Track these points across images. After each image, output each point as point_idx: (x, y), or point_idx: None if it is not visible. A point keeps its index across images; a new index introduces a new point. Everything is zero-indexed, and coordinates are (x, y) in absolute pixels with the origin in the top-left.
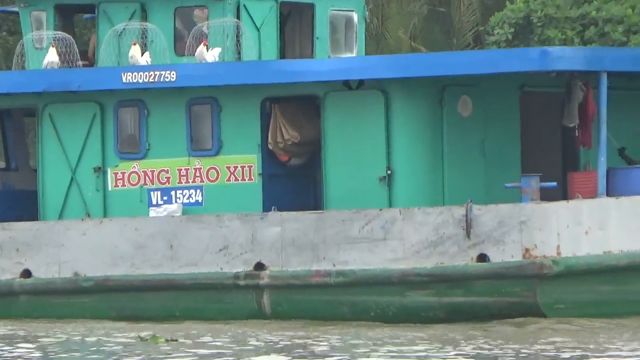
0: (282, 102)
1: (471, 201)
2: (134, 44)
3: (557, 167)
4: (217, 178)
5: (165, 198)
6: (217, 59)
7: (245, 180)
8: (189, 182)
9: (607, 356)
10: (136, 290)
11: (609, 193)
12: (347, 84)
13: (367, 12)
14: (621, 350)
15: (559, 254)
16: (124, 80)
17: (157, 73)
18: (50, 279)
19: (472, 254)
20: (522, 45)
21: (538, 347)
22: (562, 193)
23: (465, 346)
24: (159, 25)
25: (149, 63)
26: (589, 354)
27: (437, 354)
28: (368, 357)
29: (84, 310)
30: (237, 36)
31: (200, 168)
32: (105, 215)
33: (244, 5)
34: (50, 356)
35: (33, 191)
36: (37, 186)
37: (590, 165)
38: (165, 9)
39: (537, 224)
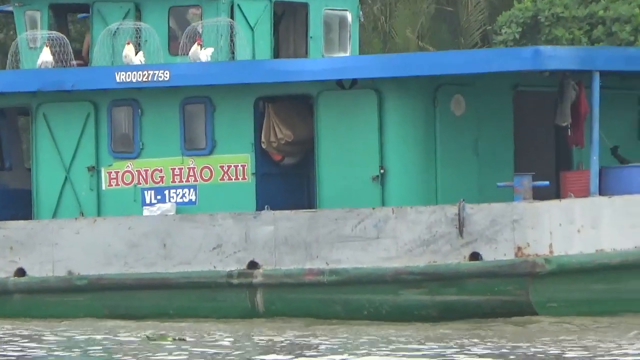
0: (275, 101)
1: (464, 200)
2: (128, 44)
3: (551, 167)
4: (210, 177)
5: (159, 197)
6: (209, 59)
7: (238, 179)
8: (182, 182)
9: (600, 355)
10: (130, 289)
11: (601, 192)
12: (340, 84)
13: (361, 12)
14: (614, 349)
15: (551, 252)
16: (117, 79)
17: (151, 72)
18: (44, 277)
19: (465, 252)
20: (529, 44)
21: (530, 345)
22: (556, 192)
23: (459, 345)
24: (153, 25)
25: (143, 62)
26: (581, 352)
27: (430, 352)
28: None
29: (77, 308)
30: (231, 36)
31: (194, 167)
32: (99, 214)
33: (238, 5)
34: (62, 355)
35: (27, 190)
36: (31, 185)
37: (583, 165)
38: (159, 9)
39: (530, 223)
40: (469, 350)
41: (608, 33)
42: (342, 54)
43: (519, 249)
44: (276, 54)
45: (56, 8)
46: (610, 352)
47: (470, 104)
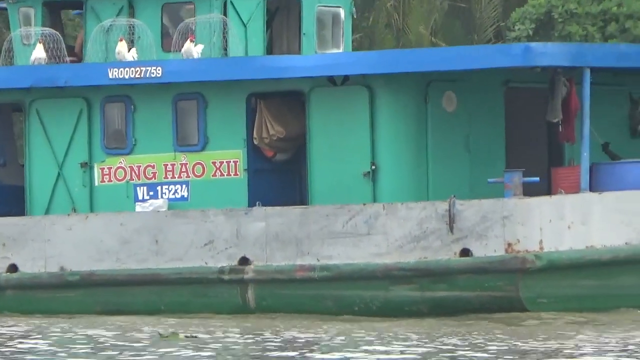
0: (267, 97)
1: (454, 196)
2: (121, 40)
3: (543, 163)
4: (202, 173)
5: (151, 193)
6: (200, 56)
7: (230, 175)
8: (174, 178)
9: (589, 350)
10: (121, 284)
11: (592, 188)
12: (332, 80)
13: (353, 9)
14: (603, 345)
15: (541, 248)
16: (110, 76)
17: (143, 69)
18: (37, 273)
19: (455, 248)
20: (543, 41)
21: (519, 341)
22: (547, 188)
23: (449, 340)
24: (147, 22)
25: (136, 59)
26: (571, 348)
27: (422, 348)
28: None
29: (69, 304)
30: (224, 32)
31: (186, 163)
32: (92, 210)
33: (231, 2)
34: (75, 352)
35: (21, 187)
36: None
37: (574, 161)
38: (152, 6)
39: (520, 219)
40: (460, 347)
41: (621, 29)
42: (335, 51)
43: (509, 245)
44: (269, 50)
45: (50, 5)
46: (601, 348)
47: (461, 101)
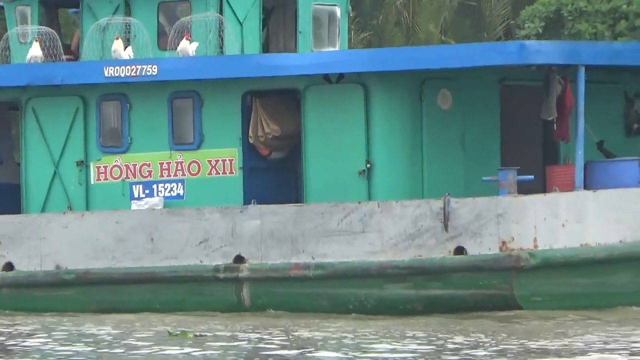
0: (262, 96)
1: (449, 194)
2: (117, 39)
3: (538, 161)
4: (198, 172)
5: (147, 191)
6: (194, 54)
7: (226, 173)
8: (170, 176)
9: (582, 348)
10: (117, 283)
11: (587, 186)
12: (327, 78)
13: (349, 7)
14: (597, 343)
15: (535, 246)
16: (106, 74)
17: (139, 67)
18: (32, 271)
19: (450, 246)
20: (552, 39)
21: (513, 339)
22: (543, 187)
23: (443, 339)
24: (143, 20)
25: (132, 57)
26: (564, 346)
27: (415, 346)
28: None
29: (65, 303)
30: (220, 31)
31: (182, 162)
32: (87, 208)
33: (227, 0)
34: (82, 350)
35: (18, 185)
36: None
37: (569, 159)
38: (148, 4)
39: (514, 217)
40: (453, 344)
41: (631, 27)
42: (331, 49)
43: (504, 243)
44: (266, 48)
45: (46, 3)
46: (594, 346)
47: (456, 99)
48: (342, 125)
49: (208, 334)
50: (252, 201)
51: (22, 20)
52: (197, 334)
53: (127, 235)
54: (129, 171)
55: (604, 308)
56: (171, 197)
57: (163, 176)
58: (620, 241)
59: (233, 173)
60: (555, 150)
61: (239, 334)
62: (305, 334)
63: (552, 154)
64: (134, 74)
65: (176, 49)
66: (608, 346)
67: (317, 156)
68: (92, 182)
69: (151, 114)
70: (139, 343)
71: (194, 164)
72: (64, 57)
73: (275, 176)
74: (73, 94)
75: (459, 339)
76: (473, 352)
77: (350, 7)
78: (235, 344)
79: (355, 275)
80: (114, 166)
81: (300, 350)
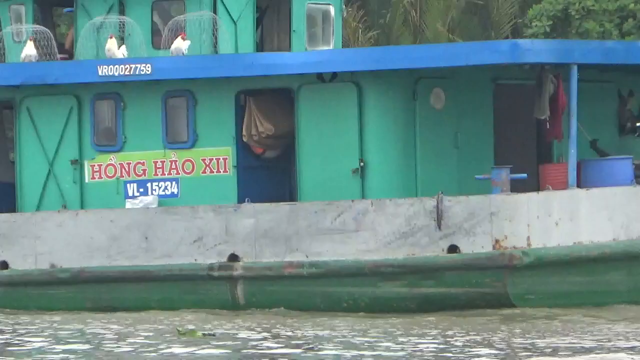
0: (256, 95)
1: (442, 192)
2: (111, 38)
3: (532, 160)
4: (192, 170)
5: (141, 190)
6: (186, 52)
7: (220, 172)
8: (164, 175)
9: (575, 347)
10: (112, 281)
11: (581, 185)
12: (320, 77)
13: (344, 6)
14: (590, 341)
15: (529, 245)
16: (100, 73)
17: (133, 66)
18: (27, 270)
19: (443, 245)
20: (560, 37)
21: (506, 337)
22: (537, 185)
23: (437, 337)
24: (137, 19)
25: (126, 56)
26: (556, 344)
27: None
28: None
29: (60, 301)
30: (214, 30)
31: (176, 160)
32: (82, 207)
33: None
34: (102, 347)
35: (12, 184)
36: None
37: (563, 158)
38: (142, 3)
39: (507, 215)
40: (446, 342)
41: (639, 26)
42: (325, 48)
43: (497, 241)
44: (260, 48)
45: (41, 2)
46: (587, 345)
47: (450, 97)
48: (336, 124)
49: (217, 333)
50: (246, 200)
51: (17, 19)
52: (206, 332)
53: (122, 234)
54: (123, 170)
55: (597, 306)
56: (165, 196)
57: (157, 175)
58: (613, 239)
59: (227, 172)
60: (549, 149)
61: (247, 332)
62: (309, 332)
63: (546, 153)
64: (128, 73)
65: (170, 48)
66: (601, 344)
67: (311, 155)
68: (86, 180)
69: (145, 113)
70: (147, 341)
71: (188, 162)
72: (58, 56)
73: (269, 175)
74: (67, 93)
75: (464, 337)
76: (478, 351)
77: (344, 6)
78: (244, 342)
79: (349, 273)
80: (109, 165)
81: (307, 348)
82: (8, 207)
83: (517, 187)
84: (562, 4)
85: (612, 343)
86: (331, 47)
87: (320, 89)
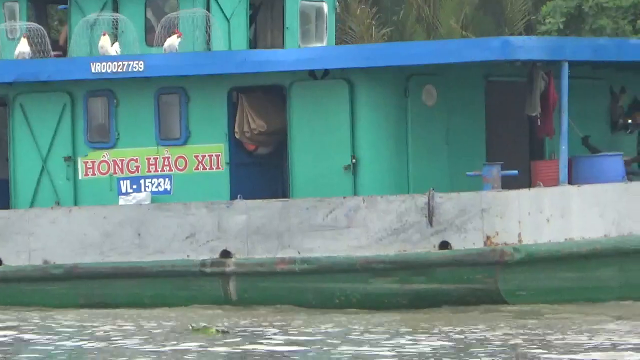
0: (248, 92)
1: (433, 189)
2: (104, 35)
3: (524, 156)
4: (185, 167)
5: (134, 187)
6: (178, 48)
7: (213, 169)
8: (157, 171)
9: (568, 344)
10: (105, 277)
11: (572, 181)
12: (312, 74)
13: (337, 3)
14: (582, 337)
15: (520, 241)
16: (93, 70)
17: (126, 63)
18: (20, 266)
19: (435, 241)
20: (573, 34)
21: (499, 333)
22: (529, 182)
23: (429, 334)
24: (130, 16)
25: (119, 53)
26: (548, 340)
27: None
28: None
29: (53, 297)
30: (207, 27)
31: (169, 157)
32: (75, 203)
33: None
34: (115, 345)
35: (5, 180)
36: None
37: (555, 154)
38: (136, 1)
39: (498, 212)
40: (436, 338)
41: None
42: (318, 45)
43: (488, 237)
44: (254, 45)
45: None
46: (579, 341)
47: (441, 94)
48: (328, 121)
49: (230, 330)
50: (239, 196)
51: (11, 16)
52: (220, 329)
53: (115, 230)
54: (116, 166)
55: (588, 302)
56: (158, 192)
57: (150, 171)
58: (604, 236)
59: (220, 168)
60: (541, 145)
61: (256, 329)
62: (308, 329)
63: (539, 150)
64: (121, 70)
65: (163, 45)
66: (592, 341)
67: (303, 152)
68: (80, 177)
69: (138, 109)
70: (159, 338)
71: (181, 159)
72: (52, 53)
73: (261, 171)
74: (61, 90)
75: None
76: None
77: (337, 3)
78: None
79: (340, 269)
80: (102, 161)
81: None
82: (2, 204)
83: (510, 183)
84: (576, 0)
85: (607, 340)
86: (324, 44)
87: (312, 86)
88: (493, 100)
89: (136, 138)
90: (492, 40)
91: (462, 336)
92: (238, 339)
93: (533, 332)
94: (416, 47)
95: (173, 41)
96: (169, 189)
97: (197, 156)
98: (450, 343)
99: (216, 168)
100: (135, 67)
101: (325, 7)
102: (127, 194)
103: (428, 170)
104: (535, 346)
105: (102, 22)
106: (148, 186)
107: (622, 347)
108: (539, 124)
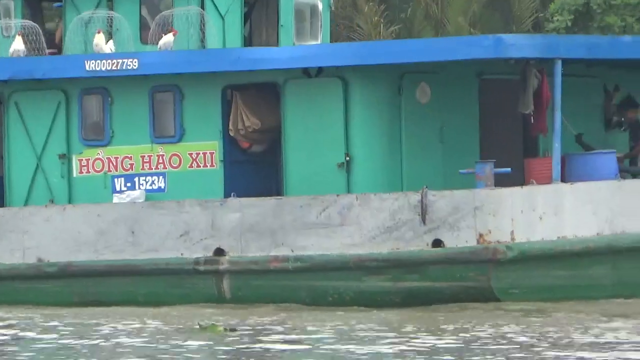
0: (242, 89)
1: (426, 187)
2: (99, 32)
3: (518, 154)
4: (179, 165)
5: (128, 184)
6: (172, 46)
7: (207, 166)
8: (152, 169)
9: (560, 342)
10: (99, 275)
11: (565, 179)
12: (306, 72)
13: (331, 1)
14: (574, 335)
15: (513, 239)
16: (87, 68)
17: (120, 61)
18: (15, 264)
19: (428, 239)
20: (581, 32)
21: (490, 332)
22: (523, 180)
23: (421, 332)
24: (125, 14)
25: (113, 51)
26: (542, 338)
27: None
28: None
29: (47, 295)
30: (201, 24)
31: (163, 155)
32: (70, 201)
33: None
34: (121, 343)
35: (1, 178)
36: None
37: (549, 152)
38: None
39: (491, 210)
40: (432, 336)
41: None
42: (313, 43)
43: (481, 235)
44: (249, 42)
45: None
46: (572, 339)
47: (435, 92)
48: (322, 119)
49: (238, 328)
50: (232, 194)
51: (5, 14)
52: (227, 327)
53: (109, 228)
54: (110, 164)
55: (581, 300)
56: (152, 190)
57: (144, 169)
58: (597, 234)
59: (214, 166)
60: (536, 143)
61: (260, 327)
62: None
63: (533, 147)
64: (115, 68)
65: (157, 43)
66: (586, 338)
67: (297, 149)
68: (74, 175)
69: (132, 107)
70: (166, 336)
71: (175, 157)
72: (47, 51)
73: (255, 169)
74: (55, 88)
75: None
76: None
77: (332, 1)
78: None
79: (334, 267)
80: (96, 159)
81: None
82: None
83: (503, 181)
84: None
85: (600, 338)
86: (319, 41)
87: (306, 84)
88: (487, 98)
89: (130, 136)
90: (484, 38)
91: (456, 336)
92: (238, 338)
93: (525, 329)
94: (410, 45)
95: (168, 39)
96: (163, 187)
97: (192, 154)
98: (445, 341)
99: (210, 166)
100: (130, 65)
101: (319, 4)
102: (121, 191)
103: (421, 168)
104: (528, 344)
105: (97, 19)
106: (142, 184)
107: (615, 344)
108: (532, 121)
